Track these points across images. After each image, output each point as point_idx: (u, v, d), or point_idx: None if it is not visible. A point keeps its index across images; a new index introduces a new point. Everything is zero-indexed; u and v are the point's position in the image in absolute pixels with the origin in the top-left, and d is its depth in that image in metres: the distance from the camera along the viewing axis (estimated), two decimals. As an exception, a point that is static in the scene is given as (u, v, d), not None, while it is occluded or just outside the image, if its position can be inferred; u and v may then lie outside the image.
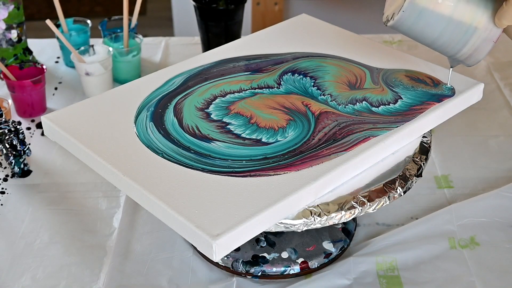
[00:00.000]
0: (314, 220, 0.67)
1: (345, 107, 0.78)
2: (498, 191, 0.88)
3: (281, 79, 0.83)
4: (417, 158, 0.75)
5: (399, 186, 0.72)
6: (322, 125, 0.74)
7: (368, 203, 0.69)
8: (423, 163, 0.75)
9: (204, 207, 0.62)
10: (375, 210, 0.70)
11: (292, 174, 0.67)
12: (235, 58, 0.88)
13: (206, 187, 0.65)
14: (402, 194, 0.72)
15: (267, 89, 0.81)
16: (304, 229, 0.67)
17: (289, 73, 0.84)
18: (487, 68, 1.21)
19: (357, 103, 0.78)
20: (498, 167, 0.96)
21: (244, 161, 0.69)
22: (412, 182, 0.73)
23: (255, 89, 0.81)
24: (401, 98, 0.79)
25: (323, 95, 0.80)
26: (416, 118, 0.75)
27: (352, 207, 0.69)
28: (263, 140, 0.72)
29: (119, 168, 0.67)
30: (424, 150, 0.77)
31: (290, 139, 0.72)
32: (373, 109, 0.77)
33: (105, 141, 0.71)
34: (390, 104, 0.78)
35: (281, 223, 0.66)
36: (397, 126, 0.74)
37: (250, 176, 0.66)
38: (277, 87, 0.81)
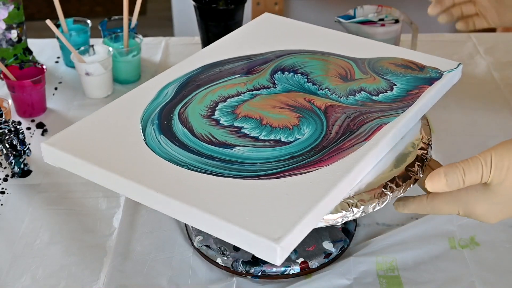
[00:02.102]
0: (353, 211, 0.68)
1: (347, 99, 0.79)
2: (498, 191, 0.88)
3: (273, 78, 0.83)
4: (424, 140, 0.77)
5: (418, 168, 0.74)
6: (333, 119, 0.75)
7: (397, 188, 0.71)
8: (431, 144, 0.78)
9: (253, 212, 0.61)
10: (402, 194, 0.71)
11: (324, 170, 0.67)
12: (219, 62, 0.87)
13: (245, 193, 0.64)
14: (422, 175, 0.74)
15: (264, 90, 0.81)
16: (343, 222, 0.68)
17: (279, 72, 0.84)
18: (487, 68, 1.21)
19: (357, 94, 0.80)
20: (498, 167, 0.96)
21: (273, 163, 0.68)
22: (428, 162, 0.76)
23: (252, 90, 0.81)
24: (395, 85, 0.81)
25: (321, 89, 0.81)
26: (416, 102, 0.78)
27: (383, 193, 0.70)
28: (282, 139, 0.72)
29: (149, 186, 0.64)
30: (427, 131, 0.79)
31: (308, 136, 0.72)
32: (374, 98, 0.79)
33: (120, 160, 0.68)
34: (388, 91, 0.80)
35: (323, 219, 0.66)
36: (402, 112, 0.76)
37: (284, 176, 0.66)
38: (273, 87, 0.81)
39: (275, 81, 0.82)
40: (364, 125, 0.74)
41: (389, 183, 0.71)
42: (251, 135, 0.72)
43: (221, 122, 0.75)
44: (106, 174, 0.67)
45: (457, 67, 0.85)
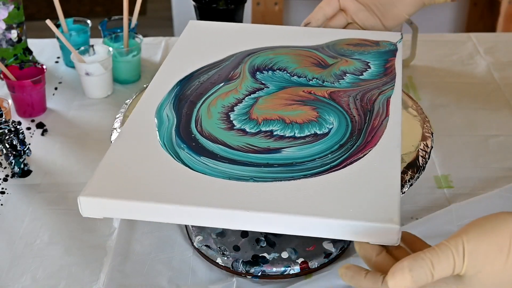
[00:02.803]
0: (410, 181, 0.72)
1: (340, 84, 0.82)
2: (498, 191, 0.88)
3: (258, 80, 0.83)
4: (417, 106, 0.85)
5: (430, 128, 0.81)
6: (345, 103, 0.78)
7: (428, 148, 0.77)
8: (423, 110, 0.84)
9: (350, 204, 0.62)
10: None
11: (376, 149, 0.69)
12: (190, 75, 0.84)
13: (325, 189, 0.64)
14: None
15: (260, 91, 0.80)
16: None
17: (257, 72, 0.84)
18: (487, 68, 1.21)
19: (344, 77, 0.83)
20: (498, 167, 0.96)
21: (329, 155, 0.69)
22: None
23: (249, 95, 0.80)
24: (369, 62, 0.86)
25: (309, 80, 0.82)
26: (397, 73, 0.84)
27: (423, 157, 0.75)
28: (318, 133, 0.73)
29: (233, 207, 0.62)
30: (412, 103, 0.86)
31: (337, 123, 0.74)
32: (361, 77, 0.83)
33: (180, 191, 0.64)
34: (367, 69, 0.84)
35: None
36: (393, 84, 0.81)
37: (348, 165, 0.67)
38: (265, 87, 0.81)
39: (262, 82, 0.82)
40: (374, 103, 0.77)
41: (420, 148, 0.76)
42: (287, 135, 0.73)
43: (247, 130, 0.74)
44: (177, 208, 0.63)
45: (401, 37, 0.92)
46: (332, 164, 0.68)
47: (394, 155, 0.69)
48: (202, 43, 0.92)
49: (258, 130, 0.74)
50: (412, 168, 0.73)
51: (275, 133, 0.73)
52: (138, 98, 0.85)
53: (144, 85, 0.89)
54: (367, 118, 0.75)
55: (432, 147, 0.78)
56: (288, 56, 0.88)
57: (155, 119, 0.75)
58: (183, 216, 0.63)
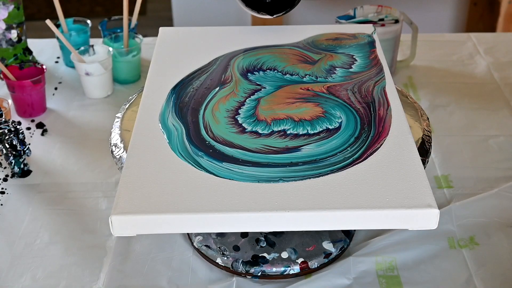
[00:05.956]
0: (425, 162, 0.74)
1: (333, 78, 0.83)
2: (497, 191, 0.88)
3: (251, 81, 0.83)
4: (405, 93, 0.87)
5: (424, 112, 0.83)
6: (345, 97, 0.79)
7: (428, 125, 0.80)
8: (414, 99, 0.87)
9: (385, 194, 0.63)
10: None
11: (390, 138, 0.71)
12: (181, 82, 0.83)
13: (356, 181, 0.65)
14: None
15: (258, 93, 0.81)
16: None
17: (248, 74, 0.84)
18: (487, 68, 1.21)
19: (335, 71, 0.85)
20: (498, 167, 0.96)
21: (348, 149, 0.70)
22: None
23: (249, 96, 0.80)
24: (354, 55, 0.88)
25: (302, 77, 0.84)
26: (383, 62, 0.86)
27: (428, 138, 0.77)
28: (330, 128, 0.74)
29: (273, 208, 0.62)
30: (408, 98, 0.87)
31: (345, 117, 0.75)
32: (351, 70, 0.85)
33: (213, 201, 0.64)
34: (355, 62, 0.86)
35: None
36: (383, 74, 0.84)
37: (368, 156, 0.69)
38: (262, 87, 0.82)
39: (257, 83, 0.82)
40: (372, 94, 0.79)
41: (425, 129, 0.78)
42: (300, 133, 0.73)
43: (260, 132, 0.74)
44: (215, 217, 0.62)
45: (375, 29, 0.95)
46: (354, 157, 0.69)
47: (409, 142, 0.70)
48: (179, 49, 0.91)
49: (271, 130, 0.74)
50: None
51: (288, 132, 0.73)
52: (138, 99, 0.84)
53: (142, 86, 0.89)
54: (371, 109, 0.76)
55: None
56: (273, 55, 0.88)
57: (163, 130, 0.74)
58: (220, 224, 0.63)
